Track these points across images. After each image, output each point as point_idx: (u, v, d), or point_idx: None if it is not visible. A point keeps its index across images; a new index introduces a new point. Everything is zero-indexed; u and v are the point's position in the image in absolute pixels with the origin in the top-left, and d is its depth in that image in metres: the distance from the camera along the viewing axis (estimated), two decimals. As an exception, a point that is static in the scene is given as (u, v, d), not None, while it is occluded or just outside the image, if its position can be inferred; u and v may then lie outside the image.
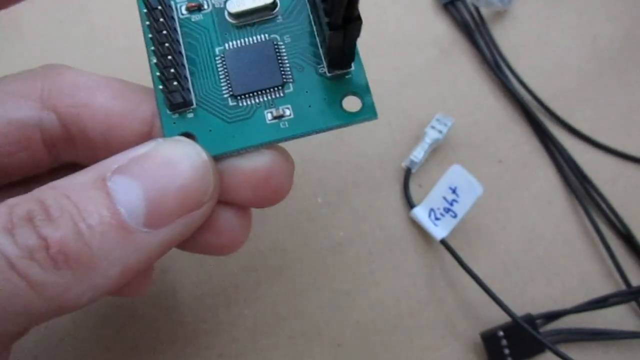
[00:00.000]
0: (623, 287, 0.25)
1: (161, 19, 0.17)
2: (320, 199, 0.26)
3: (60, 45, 0.28)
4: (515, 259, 0.26)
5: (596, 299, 0.24)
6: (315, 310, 0.25)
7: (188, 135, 0.17)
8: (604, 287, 0.25)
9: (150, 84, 0.18)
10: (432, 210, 0.26)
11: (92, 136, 0.18)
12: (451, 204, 0.25)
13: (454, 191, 0.25)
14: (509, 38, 0.30)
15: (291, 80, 0.18)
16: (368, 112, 0.17)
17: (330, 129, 0.17)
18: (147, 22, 0.17)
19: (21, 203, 0.14)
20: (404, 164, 0.27)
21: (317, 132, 0.17)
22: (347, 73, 0.18)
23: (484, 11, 0.30)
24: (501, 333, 0.24)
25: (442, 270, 0.25)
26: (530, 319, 0.24)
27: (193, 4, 0.18)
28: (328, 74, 0.18)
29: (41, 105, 0.18)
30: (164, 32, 0.17)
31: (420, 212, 0.26)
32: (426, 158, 0.27)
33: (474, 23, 0.30)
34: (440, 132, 0.27)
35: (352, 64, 0.18)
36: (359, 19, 0.16)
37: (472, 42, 0.30)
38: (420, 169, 0.27)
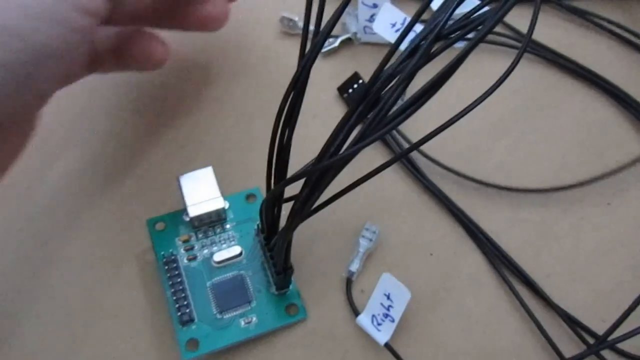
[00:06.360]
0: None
1: (173, 269, 0.29)
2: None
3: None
4: (458, 348, 0.28)
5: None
6: None
7: (194, 340, 0.27)
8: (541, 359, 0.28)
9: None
10: (373, 316, 0.28)
11: None
12: (388, 309, 0.28)
13: (388, 297, 0.28)
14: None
15: (254, 298, 0.29)
16: (302, 313, 0.29)
17: (279, 326, 0.28)
18: (164, 271, 0.29)
19: None
20: (344, 275, 0.30)
21: (272, 330, 0.28)
22: (287, 291, 0.29)
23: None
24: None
25: (392, 372, 0.28)
26: (475, 408, 0.26)
27: (191, 257, 0.30)
28: (276, 293, 0.29)
29: None
30: (176, 276, 0.29)
31: (364, 320, 0.28)
32: (363, 265, 0.30)
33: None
34: (370, 240, 0.30)
35: (290, 286, 0.29)
36: (291, 268, 0.27)
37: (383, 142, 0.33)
38: (360, 275, 0.30)
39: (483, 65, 0.36)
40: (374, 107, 0.20)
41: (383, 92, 0.20)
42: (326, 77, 0.36)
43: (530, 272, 0.29)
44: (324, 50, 0.37)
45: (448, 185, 0.32)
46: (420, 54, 0.19)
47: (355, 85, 0.34)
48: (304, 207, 0.21)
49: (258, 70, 0.37)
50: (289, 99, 0.22)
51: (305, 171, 0.21)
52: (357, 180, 0.22)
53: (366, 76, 0.35)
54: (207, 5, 0.30)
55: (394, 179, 0.33)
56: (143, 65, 0.30)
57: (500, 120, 0.35)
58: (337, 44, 0.36)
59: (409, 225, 0.31)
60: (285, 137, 0.23)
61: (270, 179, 0.25)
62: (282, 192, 0.24)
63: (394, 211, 0.31)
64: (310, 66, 0.21)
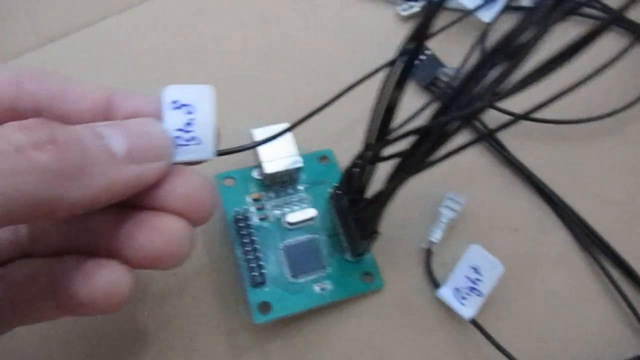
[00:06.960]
0: (651, 343, 0.26)
1: (245, 227, 0.27)
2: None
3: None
4: (545, 328, 0.27)
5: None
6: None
7: (266, 303, 0.25)
8: (633, 344, 0.26)
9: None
10: (457, 289, 0.27)
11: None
12: (475, 283, 0.26)
13: (476, 270, 0.26)
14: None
15: (328, 264, 0.27)
16: (378, 282, 0.27)
17: (355, 295, 0.27)
18: (235, 229, 0.27)
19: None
20: (423, 245, 0.28)
21: (346, 298, 0.27)
22: (362, 258, 0.27)
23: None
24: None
25: (475, 348, 0.26)
26: (567, 390, 0.25)
27: (262, 216, 0.28)
28: (351, 260, 0.27)
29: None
30: (247, 236, 0.27)
31: (446, 292, 0.27)
32: (444, 236, 0.28)
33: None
34: (454, 210, 0.28)
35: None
36: (377, 232, 0.25)
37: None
38: (440, 246, 0.28)
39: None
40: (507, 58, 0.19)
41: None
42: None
43: (620, 252, 0.28)
44: (403, 13, 0.35)
45: (533, 161, 0.30)
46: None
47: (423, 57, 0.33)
48: (423, 160, 0.20)
49: (332, 33, 0.35)
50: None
51: (436, 122, 0.19)
52: (469, 142, 0.20)
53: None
54: (148, 233, 0.19)
55: (476, 151, 0.31)
56: (99, 307, 0.19)
57: (591, 99, 0.33)
58: (419, 8, 0.34)
59: (491, 198, 0.30)
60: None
61: (374, 135, 0.23)
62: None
63: (475, 183, 0.30)
64: (435, 13, 0.19)
